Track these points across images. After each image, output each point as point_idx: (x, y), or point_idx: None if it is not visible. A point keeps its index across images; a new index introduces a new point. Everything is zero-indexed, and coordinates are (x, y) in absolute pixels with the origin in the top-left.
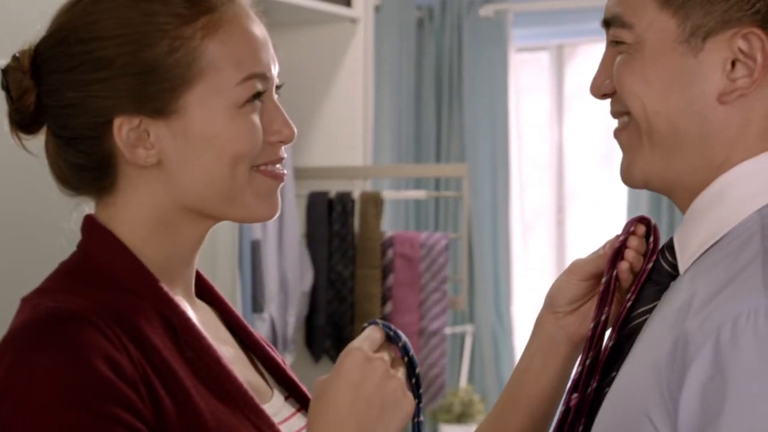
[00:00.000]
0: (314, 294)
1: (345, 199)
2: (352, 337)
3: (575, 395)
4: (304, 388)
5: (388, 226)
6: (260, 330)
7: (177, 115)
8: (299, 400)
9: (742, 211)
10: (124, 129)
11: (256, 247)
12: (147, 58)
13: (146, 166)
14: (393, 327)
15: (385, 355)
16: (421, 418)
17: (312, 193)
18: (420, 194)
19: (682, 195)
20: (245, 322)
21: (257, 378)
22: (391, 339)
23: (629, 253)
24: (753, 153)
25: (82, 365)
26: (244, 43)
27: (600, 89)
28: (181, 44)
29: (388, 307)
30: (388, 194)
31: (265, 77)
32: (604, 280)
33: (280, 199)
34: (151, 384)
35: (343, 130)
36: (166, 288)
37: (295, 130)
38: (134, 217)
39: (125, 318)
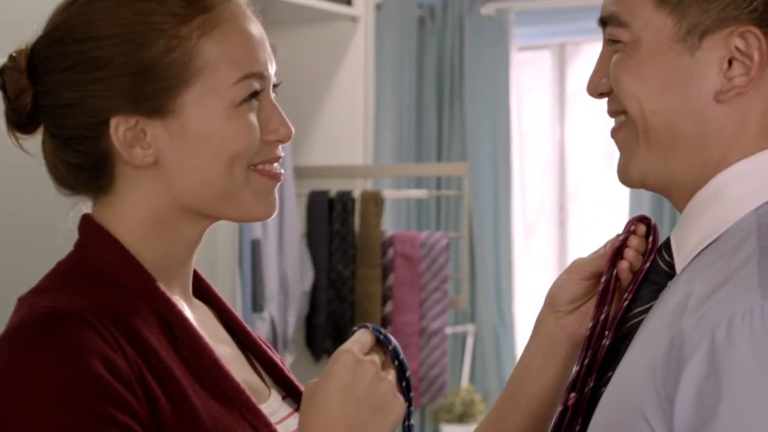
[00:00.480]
0: (314, 293)
1: (345, 198)
2: None
3: (573, 394)
4: (301, 387)
5: (389, 226)
6: (260, 329)
7: (174, 115)
8: (297, 399)
9: (739, 210)
10: (120, 129)
11: (256, 247)
12: (143, 57)
13: (143, 166)
14: (383, 330)
15: (376, 358)
16: (412, 421)
17: (312, 192)
18: (421, 193)
19: (678, 194)
20: (243, 321)
21: (255, 378)
22: (381, 342)
23: (629, 253)
24: (750, 152)
25: (78, 365)
26: (241, 42)
27: (597, 88)
28: (177, 44)
29: (389, 307)
30: (388, 193)
31: (262, 76)
32: (603, 279)
33: (277, 199)
34: (147, 384)
35: (344, 129)
36: (163, 287)
37: (293, 129)
38: (131, 216)
39: (122, 318)
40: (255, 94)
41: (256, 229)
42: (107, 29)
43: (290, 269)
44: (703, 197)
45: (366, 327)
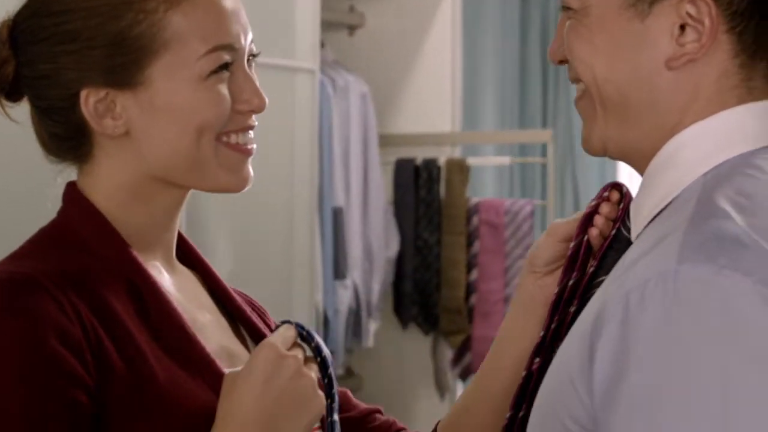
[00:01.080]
0: (400, 261)
1: (431, 165)
2: (438, 304)
3: (537, 359)
4: None
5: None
6: (342, 297)
7: (143, 87)
8: None
9: (692, 174)
10: (90, 100)
11: (338, 214)
12: (112, 30)
13: (115, 136)
14: (306, 327)
15: (299, 354)
16: (335, 417)
17: (399, 160)
18: (504, 160)
19: (639, 162)
20: (228, 287)
21: (236, 343)
22: (304, 339)
23: (599, 220)
24: (703, 117)
25: (29, 333)
26: (210, 14)
27: (556, 55)
28: (144, 17)
29: (474, 274)
30: (473, 161)
31: (232, 48)
32: (572, 245)
33: (251, 172)
34: (101, 346)
35: (432, 97)
36: (135, 254)
37: (266, 100)
38: (109, 184)
39: (85, 282)
40: (225, 66)
41: (339, 197)
42: (79, 2)
43: (375, 237)
44: (659, 162)
45: (289, 323)
